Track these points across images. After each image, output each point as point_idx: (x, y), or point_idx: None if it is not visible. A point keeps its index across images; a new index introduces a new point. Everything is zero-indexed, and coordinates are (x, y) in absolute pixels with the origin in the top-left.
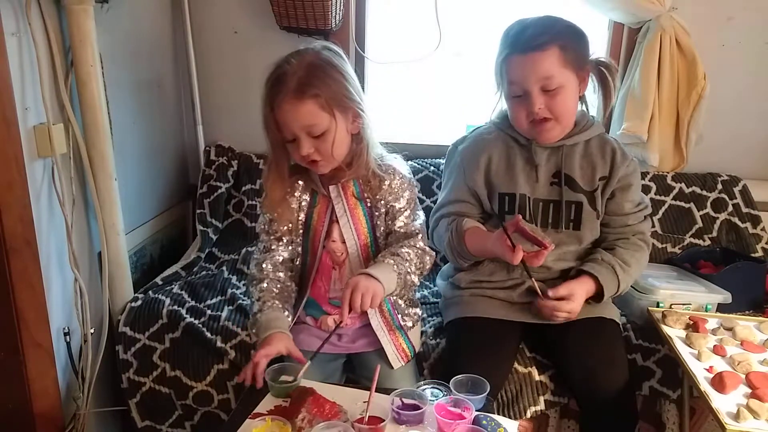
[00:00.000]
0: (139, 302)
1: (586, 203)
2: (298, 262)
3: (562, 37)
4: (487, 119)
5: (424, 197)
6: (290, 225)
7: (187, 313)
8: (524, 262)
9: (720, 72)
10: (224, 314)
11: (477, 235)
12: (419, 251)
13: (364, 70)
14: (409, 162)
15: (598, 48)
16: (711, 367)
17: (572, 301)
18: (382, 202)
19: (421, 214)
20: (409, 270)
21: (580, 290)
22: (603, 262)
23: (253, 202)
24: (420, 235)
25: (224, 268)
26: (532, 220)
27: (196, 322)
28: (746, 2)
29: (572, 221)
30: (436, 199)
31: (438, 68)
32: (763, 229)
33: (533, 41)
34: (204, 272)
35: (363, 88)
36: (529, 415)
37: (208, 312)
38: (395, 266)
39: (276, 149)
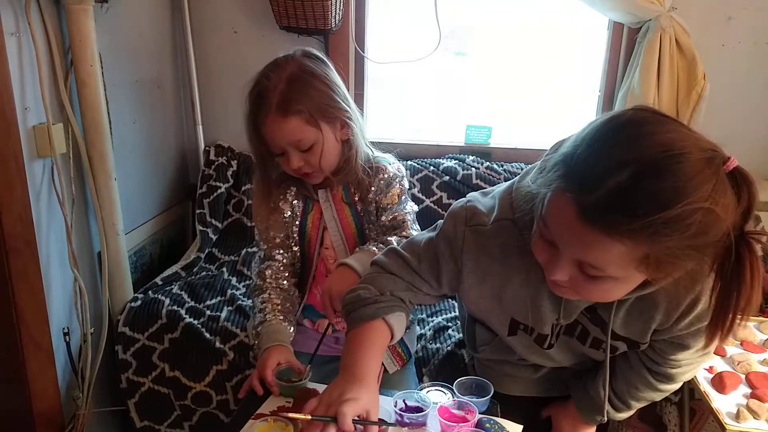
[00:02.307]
0: (139, 302)
1: (624, 347)
2: (298, 265)
3: (661, 229)
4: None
5: (424, 197)
6: (286, 231)
7: (186, 314)
8: None
9: (720, 72)
10: (223, 315)
11: (357, 342)
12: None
13: (363, 69)
14: (409, 162)
15: (599, 47)
16: (711, 367)
17: None
18: (373, 203)
19: (410, 205)
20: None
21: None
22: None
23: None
24: (407, 224)
25: (224, 268)
26: (549, 347)
27: (196, 322)
28: (746, 2)
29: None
30: (436, 200)
31: (438, 68)
32: (762, 229)
33: (618, 225)
34: (204, 272)
35: (363, 88)
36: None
37: (208, 312)
38: (378, 253)
39: (261, 163)
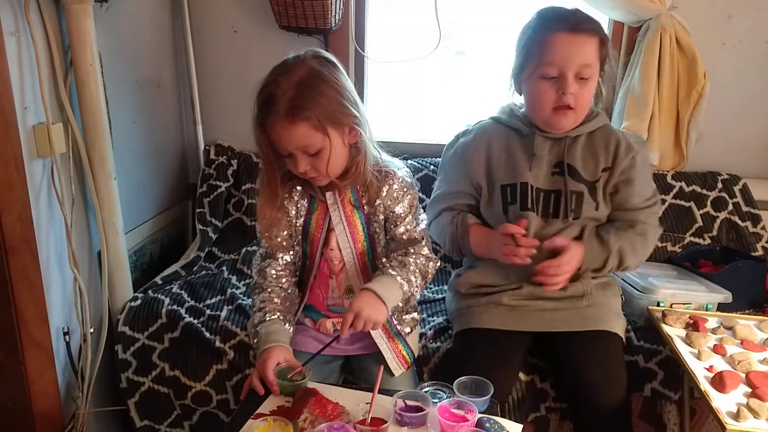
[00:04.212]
0: (139, 302)
1: (586, 193)
2: (299, 264)
3: (603, 32)
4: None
5: (424, 197)
6: (290, 230)
7: (186, 313)
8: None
9: (720, 71)
10: (223, 314)
11: (480, 233)
12: (424, 259)
13: (363, 69)
14: (409, 162)
15: None
16: (711, 366)
17: (563, 257)
18: (381, 207)
19: (424, 219)
20: (412, 282)
21: (575, 247)
22: (597, 237)
23: (253, 201)
24: (423, 241)
25: (224, 267)
26: (533, 208)
27: (196, 321)
28: (746, 1)
29: (572, 211)
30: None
31: (438, 67)
32: (763, 228)
33: (586, 24)
34: (204, 272)
35: (362, 88)
36: (530, 419)
37: (208, 312)
38: (400, 280)
39: (267, 164)
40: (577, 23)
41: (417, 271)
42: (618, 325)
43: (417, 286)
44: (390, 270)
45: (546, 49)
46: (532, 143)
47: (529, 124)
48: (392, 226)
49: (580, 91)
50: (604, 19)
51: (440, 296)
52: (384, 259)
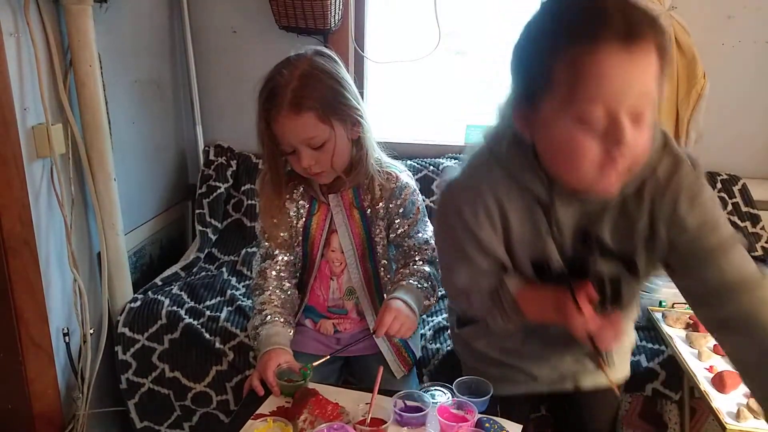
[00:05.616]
0: (139, 303)
1: (624, 272)
2: (299, 266)
3: (662, 29)
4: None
5: (424, 197)
6: (290, 230)
7: (186, 314)
8: (592, 339)
9: (720, 71)
10: (223, 315)
11: (533, 300)
12: (435, 267)
13: (363, 69)
14: (409, 162)
15: None
16: (711, 366)
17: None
18: (383, 209)
19: (429, 225)
20: (432, 296)
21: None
22: None
23: (253, 202)
24: (433, 247)
25: (224, 269)
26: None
27: (195, 323)
28: (746, 1)
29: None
30: (436, 199)
31: (438, 68)
32: (762, 228)
33: (644, 25)
34: (203, 273)
35: (362, 88)
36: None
37: (207, 313)
38: (424, 295)
39: (271, 161)
40: (631, 27)
41: (435, 283)
42: (621, 375)
43: (432, 297)
44: (415, 282)
45: (582, 77)
46: (550, 211)
47: (547, 184)
48: (399, 233)
49: (638, 137)
50: None
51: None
52: (405, 270)
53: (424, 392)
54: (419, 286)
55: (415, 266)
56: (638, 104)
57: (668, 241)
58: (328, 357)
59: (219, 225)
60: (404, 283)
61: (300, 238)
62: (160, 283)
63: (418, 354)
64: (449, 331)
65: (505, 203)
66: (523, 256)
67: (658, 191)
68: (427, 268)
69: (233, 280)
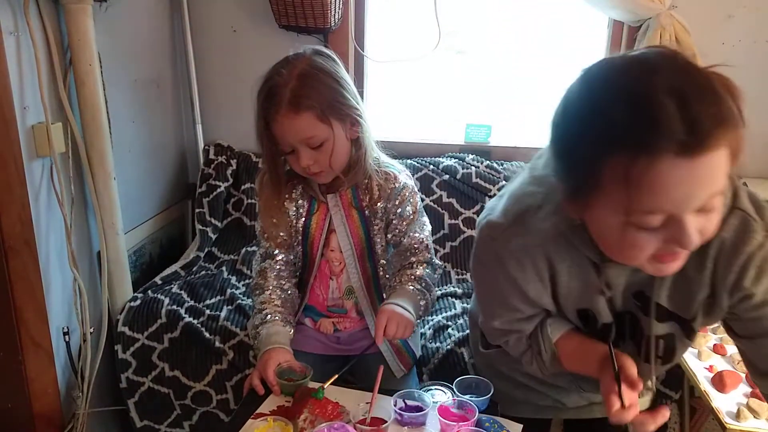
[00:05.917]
0: (138, 302)
1: (678, 333)
2: (299, 265)
3: (734, 124)
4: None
5: (423, 196)
6: (290, 230)
7: (186, 313)
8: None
9: (720, 70)
10: (223, 314)
11: (573, 354)
12: (431, 268)
13: (363, 68)
14: (409, 161)
15: (599, 46)
16: (711, 366)
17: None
18: (382, 209)
19: (427, 224)
20: (427, 296)
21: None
22: None
23: (253, 201)
24: (428, 248)
25: (224, 268)
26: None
27: (195, 322)
28: (746, 1)
29: (660, 358)
30: (436, 198)
31: (438, 67)
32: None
33: (706, 130)
34: (203, 272)
35: (362, 87)
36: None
37: (207, 312)
38: (420, 297)
39: (270, 161)
40: (694, 133)
41: (430, 284)
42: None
43: (430, 300)
44: (407, 285)
45: (638, 189)
46: (602, 269)
47: (599, 251)
48: (397, 230)
49: (706, 224)
50: (603, 19)
51: (438, 294)
52: (398, 275)
53: (425, 391)
54: (412, 288)
55: (409, 271)
56: (705, 204)
57: (729, 309)
58: (337, 377)
59: (219, 224)
60: (397, 287)
61: (299, 237)
62: (159, 282)
63: (418, 353)
64: (469, 345)
65: (554, 257)
66: (569, 306)
67: (723, 256)
68: (419, 271)
69: (233, 279)
